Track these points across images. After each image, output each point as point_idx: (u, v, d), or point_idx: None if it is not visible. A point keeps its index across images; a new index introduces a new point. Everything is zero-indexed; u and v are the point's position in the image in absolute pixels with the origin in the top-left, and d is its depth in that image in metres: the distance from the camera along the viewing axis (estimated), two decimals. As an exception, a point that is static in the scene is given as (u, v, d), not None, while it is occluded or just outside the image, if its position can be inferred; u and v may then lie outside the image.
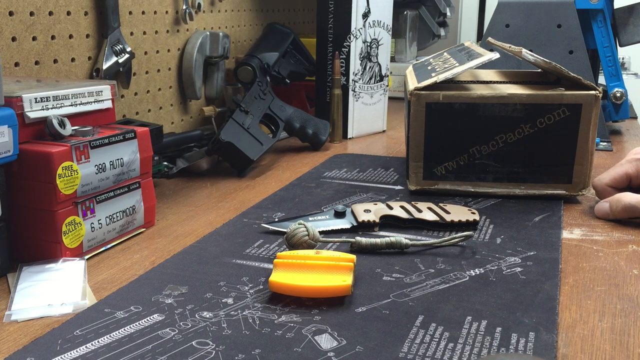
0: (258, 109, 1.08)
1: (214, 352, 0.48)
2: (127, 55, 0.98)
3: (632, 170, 0.81)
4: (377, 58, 1.30)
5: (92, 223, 0.67)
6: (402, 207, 0.76)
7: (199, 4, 1.18)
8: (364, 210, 0.75)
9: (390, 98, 1.40)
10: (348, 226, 0.74)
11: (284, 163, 1.08)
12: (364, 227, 0.74)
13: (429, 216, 0.74)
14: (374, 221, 0.74)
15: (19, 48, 0.83)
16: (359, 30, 1.24)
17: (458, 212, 0.75)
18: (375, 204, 0.77)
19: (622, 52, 1.56)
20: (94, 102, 0.71)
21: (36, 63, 0.86)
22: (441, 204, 0.77)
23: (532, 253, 0.67)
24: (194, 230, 0.75)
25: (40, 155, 0.62)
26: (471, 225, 0.74)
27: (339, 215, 0.76)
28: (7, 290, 0.59)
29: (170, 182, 0.96)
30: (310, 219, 0.76)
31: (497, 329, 0.52)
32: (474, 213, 0.75)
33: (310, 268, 0.58)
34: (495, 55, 0.84)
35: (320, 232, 0.72)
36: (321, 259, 0.60)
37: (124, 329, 0.51)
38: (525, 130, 0.83)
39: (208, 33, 1.18)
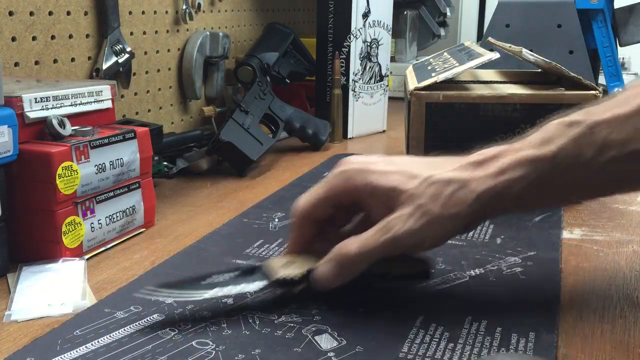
0: (258, 109, 1.07)
1: (214, 352, 0.48)
2: (127, 55, 0.98)
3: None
4: (377, 58, 1.30)
5: (92, 223, 0.67)
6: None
7: (199, 4, 1.18)
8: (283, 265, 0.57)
9: (390, 98, 1.40)
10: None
11: (284, 163, 1.07)
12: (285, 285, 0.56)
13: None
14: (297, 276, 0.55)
15: (19, 48, 0.83)
16: (359, 30, 1.24)
17: (458, 212, 0.75)
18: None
19: (622, 52, 1.56)
20: (94, 102, 0.71)
21: (36, 63, 0.86)
22: (441, 204, 0.77)
23: (532, 253, 0.67)
24: (194, 230, 0.75)
25: (40, 155, 0.62)
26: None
27: (248, 272, 0.57)
28: (7, 290, 0.59)
29: (170, 182, 0.95)
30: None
31: (497, 329, 0.52)
32: (474, 213, 0.75)
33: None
34: (495, 55, 0.84)
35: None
36: None
37: (124, 329, 0.51)
38: (525, 130, 0.83)
39: (208, 33, 1.18)
